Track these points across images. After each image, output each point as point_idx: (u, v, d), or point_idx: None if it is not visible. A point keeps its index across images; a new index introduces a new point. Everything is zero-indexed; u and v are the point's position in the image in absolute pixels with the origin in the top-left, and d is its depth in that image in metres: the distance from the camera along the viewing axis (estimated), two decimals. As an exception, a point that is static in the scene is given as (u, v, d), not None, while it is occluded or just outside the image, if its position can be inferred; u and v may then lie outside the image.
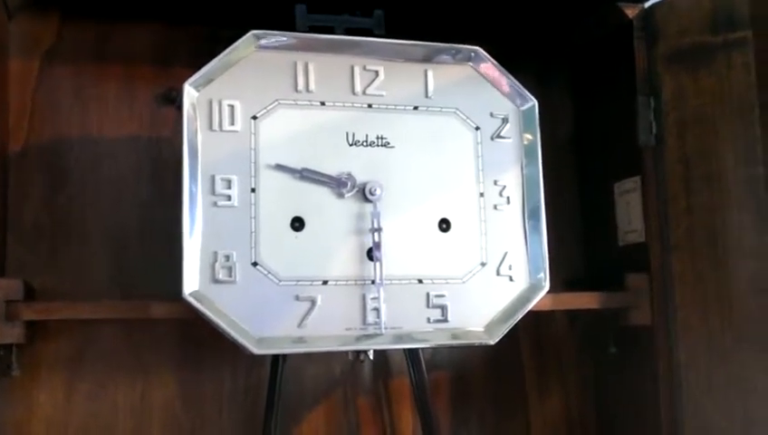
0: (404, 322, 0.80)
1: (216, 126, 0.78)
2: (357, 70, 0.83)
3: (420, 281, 0.82)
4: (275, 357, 0.84)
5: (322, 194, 0.80)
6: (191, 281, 0.75)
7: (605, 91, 1.04)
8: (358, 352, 0.80)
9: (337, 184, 0.80)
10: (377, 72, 0.84)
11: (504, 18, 1.01)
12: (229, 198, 0.77)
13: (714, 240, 0.89)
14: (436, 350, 1.01)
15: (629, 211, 0.98)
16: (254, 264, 0.77)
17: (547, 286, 0.85)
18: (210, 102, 0.78)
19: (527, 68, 0.91)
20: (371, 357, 0.81)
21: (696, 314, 0.89)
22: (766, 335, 0.86)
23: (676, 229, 0.91)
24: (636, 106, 0.93)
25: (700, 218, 0.90)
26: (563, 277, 1.04)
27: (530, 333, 1.06)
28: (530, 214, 0.86)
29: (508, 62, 0.88)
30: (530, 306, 0.83)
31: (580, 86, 1.11)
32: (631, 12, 0.95)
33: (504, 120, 0.87)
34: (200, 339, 0.94)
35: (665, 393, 0.90)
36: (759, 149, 0.88)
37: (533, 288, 0.85)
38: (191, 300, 0.74)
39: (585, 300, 0.93)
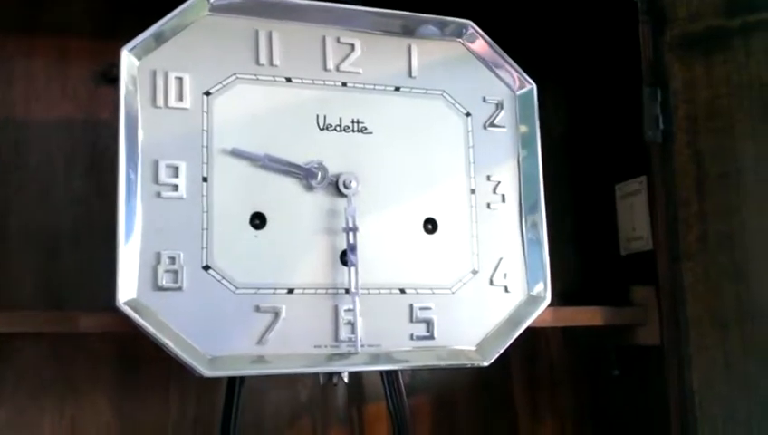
0: (383, 338, 0.75)
1: (160, 102, 0.71)
2: (329, 42, 0.77)
3: (402, 290, 0.76)
4: (231, 380, 0.78)
5: (288, 186, 0.74)
6: (128, 287, 0.67)
7: (605, 82, 1.01)
8: (331, 375, 0.74)
9: (305, 174, 0.74)
10: (352, 46, 0.78)
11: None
12: (176, 188, 0.70)
13: (730, 248, 0.84)
14: (415, 371, 0.96)
15: (633, 216, 0.94)
16: (206, 267, 0.70)
17: (548, 299, 0.81)
18: (154, 74, 0.71)
19: (514, 53, 0.85)
20: (346, 380, 0.75)
21: (711, 333, 0.83)
22: (795, 356, 0.82)
23: (687, 236, 0.86)
24: (641, 98, 0.89)
25: (715, 224, 0.85)
26: (557, 289, 0.97)
27: (521, 351, 1.02)
28: (528, 214, 0.82)
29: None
30: (529, 322, 0.79)
31: (575, 75, 1.08)
32: (635, -9, 0.91)
33: (499, 106, 0.82)
34: (141, 358, 0.87)
35: (676, 424, 0.85)
36: (783, 143, 0.84)
37: (532, 301, 0.81)
38: (127, 310, 0.66)
39: (588, 316, 0.88)
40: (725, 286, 0.84)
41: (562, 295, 0.99)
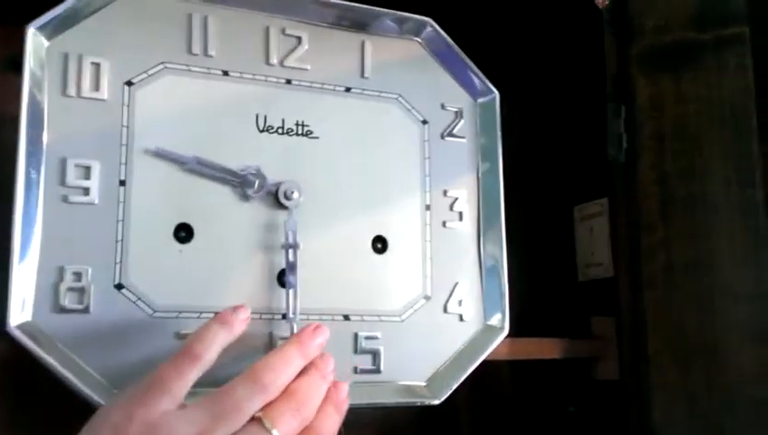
0: (323, 371, 0.68)
1: (72, 91, 0.62)
2: (273, 33, 0.70)
3: (347, 317, 0.69)
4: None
5: (220, 194, 0.66)
6: (22, 308, 0.59)
7: (565, 96, 0.96)
8: None
9: (240, 182, 0.67)
10: (299, 39, 0.71)
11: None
12: (87, 191, 0.62)
13: (697, 277, 0.80)
14: (352, 407, 0.85)
15: (593, 240, 0.90)
16: (119, 286, 0.62)
17: (506, 330, 0.75)
18: (66, 57, 0.63)
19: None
20: None
21: (674, 368, 0.80)
22: (763, 395, 0.78)
23: (650, 263, 0.82)
24: (604, 115, 0.85)
25: (681, 250, 0.81)
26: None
27: (469, 384, 0.92)
28: (486, 235, 0.76)
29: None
30: (485, 355, 0.73)
31: (532, 86, 1.03)
32: (601, 1, 0.87)
33: (458, 115, 0.77)
34: (38, 392, 0.77)
35: (635, 464, 0.81)
36: (756, 166, 0.80)
37: (489, 331, 0.74)
38: (20, 335, 0.57)
39: (546, 348, 0.82)
40: (689, 319, 0.80)
41: (514, 324, 0.95)
